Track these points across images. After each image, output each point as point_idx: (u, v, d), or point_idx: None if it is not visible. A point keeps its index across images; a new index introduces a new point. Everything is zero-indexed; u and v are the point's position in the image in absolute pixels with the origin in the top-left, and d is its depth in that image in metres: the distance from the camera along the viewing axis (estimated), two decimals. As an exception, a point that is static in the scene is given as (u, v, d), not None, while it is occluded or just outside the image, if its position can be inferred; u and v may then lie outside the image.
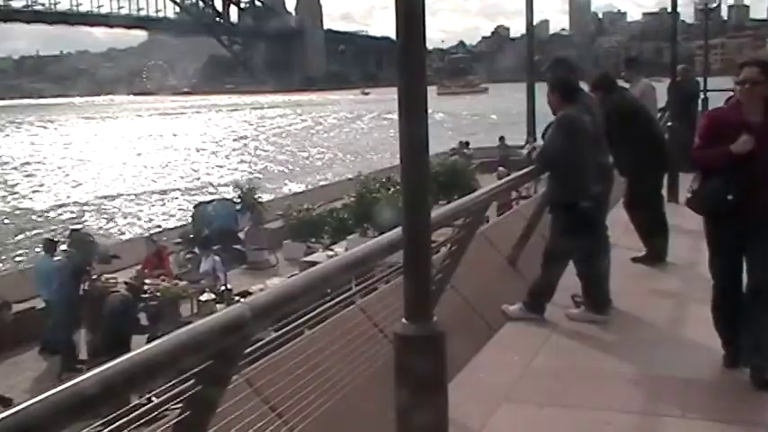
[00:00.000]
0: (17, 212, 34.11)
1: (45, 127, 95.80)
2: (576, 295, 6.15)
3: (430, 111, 2.89)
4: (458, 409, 3.34)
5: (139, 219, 30.68)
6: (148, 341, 2.83)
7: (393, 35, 2.78)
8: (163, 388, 2.69)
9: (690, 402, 4.51)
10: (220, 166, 47.96)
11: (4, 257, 23.74)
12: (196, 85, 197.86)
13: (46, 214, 33.18)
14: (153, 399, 2.72)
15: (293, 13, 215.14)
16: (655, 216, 7.67)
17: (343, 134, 71.53)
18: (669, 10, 15.09)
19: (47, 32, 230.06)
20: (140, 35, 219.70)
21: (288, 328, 4.04)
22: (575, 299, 6.15)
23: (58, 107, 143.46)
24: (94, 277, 11.47)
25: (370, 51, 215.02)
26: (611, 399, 4.59)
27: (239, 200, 18.72)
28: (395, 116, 2.87)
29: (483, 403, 4.50)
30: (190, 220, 19.76)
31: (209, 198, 23.68)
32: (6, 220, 32.02)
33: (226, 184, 33.35)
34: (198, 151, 58.47)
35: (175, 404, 2.56)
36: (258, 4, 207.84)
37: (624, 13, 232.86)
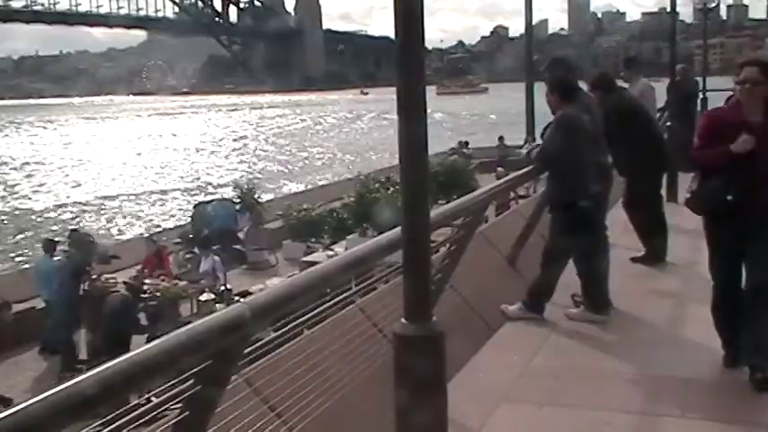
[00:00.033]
0: (17, 213, 34.10)
1: (45, 127, 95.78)
2: (575, 295, 6.16)
3: (429, 111, 2.89)
4: (457, 409, 3.34)
5: (139, 219, 30.66)
6: (148, 341, 2.83)
7: (392, 35, 2.78)
8: (162, 388, 2.69)
9: (689, 402, 4.51)
10: (220, 167, 47.95)
11: (3, 258, 23.72)
12: (195, 85, 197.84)
13: (46, 214, 33.16)
14: (152, 399, 2.72)
15: (292, 13, 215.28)
16: (654, 216, 7.67)
17: (343, 134, 71.53)
18: (668, 10, 15.08)
19: (46, 32, 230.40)
20: (140, 35, 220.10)
21: (287, 327, 4.04)
22: (574, 298, 6.16)
23: (58, 107, 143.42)
24: (94, 277, 11.47)
25: (369, 51, 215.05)
26: (611, 398, 4.59)
27: (239, 200, 18.73)
28: (394, 116, 2.87)
29: (482, 403, 4.50)
30: (189, 220, 19.77)
31: (208, 198, 23.68)
32: (6, 221, 32.01)
33: (225, 185, 33.37)
34: (197, 151, 58.47)
35: (175, 404, 2.56)
36: (257, 3, 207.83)
37: (623, 13, 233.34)
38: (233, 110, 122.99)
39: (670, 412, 4.43)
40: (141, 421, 2.53)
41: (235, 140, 68.09)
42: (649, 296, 6.69)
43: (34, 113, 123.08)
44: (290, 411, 3.48)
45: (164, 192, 38.21)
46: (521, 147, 11.02)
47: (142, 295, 11.78)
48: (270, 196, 23.93)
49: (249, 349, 3.24)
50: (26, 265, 17.60)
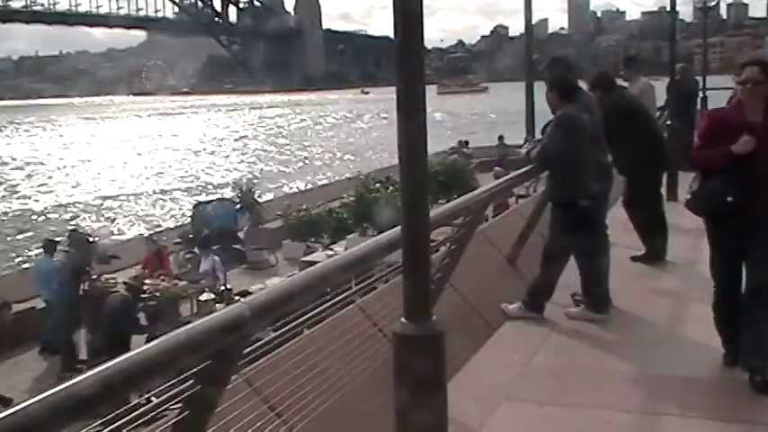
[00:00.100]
0: (17, 213, 34.11)
1: (44, 128, 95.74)
2: (575, 294, 6.16)
3: (429, 110, 2.89)
4: (457, 409, 3.34)
5: (140, 219, 30.66)
6: (148, 341, 2.83)
7: (392, 35, 2.78)
8: (162, 388, 2.69)
9: (689, 401, 4.51)
10: (220, 166, 47.96)
11: (4, 258, 23.73)
12: (195, 85, 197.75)
13: (46, 215, 33.17)
14: (152, 399, 2.72)
15: (292, 13, 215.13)
16: (654, 215, 7.67)
17: (343, 133, 71.50)
18: (668, 9, 15.07)
19: (46, 33, 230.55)
20: (139, 35, 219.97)
21: (287, 327, 4.04)
22: (574, 297, 6.16)
23: (58, 107, 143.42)
24: (94, 277, 11.48)
25: (369, 51, 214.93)
26: (611, 398, 4.59)
27: (239, 200, 18.73)
28: (393, 115, 2.87)
29: (482, 402, 4.50)
30: (189, 220, 19.77)
31: (208, 198, 23.68)
32: (7, 221, 32.01)
33: (225, 185, 33.36)
34: (197, 151, 58.45)
35: (174, 404, 2.56)
36: (257, 3, 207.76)
37: (623, 12, 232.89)
38: (233, 110, 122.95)
39: (670, 411, 4.43)
40: (141, 421, 2.52)
41: (235, 140, 68.10)
42: (649, 295, 6.69)
43: (34, 114, 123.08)
44: (290, 411, 3.48)
45: (164, 192, 38.23)
46: (520, 146, 11.03)
47: (142, 295, 11.78)
48: (269, 196, 23.93)
49: (249, 349, 3.24)
50: (26, 265, 17.62)
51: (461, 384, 4.52)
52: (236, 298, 10.56)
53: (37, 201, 37.47)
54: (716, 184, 4.61)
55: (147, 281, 12.40)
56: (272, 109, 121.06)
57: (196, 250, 14.64)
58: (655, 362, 5.12)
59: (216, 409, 2.62)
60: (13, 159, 56.69)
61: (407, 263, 2.88)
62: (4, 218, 32.99)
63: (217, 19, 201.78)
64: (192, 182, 41.24)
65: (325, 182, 31.21)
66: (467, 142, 27.42)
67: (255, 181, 22.50)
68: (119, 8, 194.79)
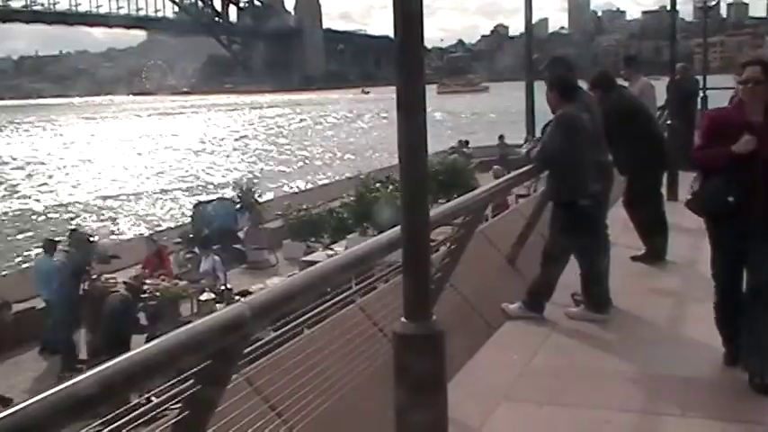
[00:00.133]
0: (17, 213, 34.11)
1: (44, 128, 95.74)
2: (575, 294, 6.15)
3: (429, 110, 2.88)
4: (457, 408, 3.34)
5: (140, 219, 30.67)
6: (148, 341, 2.83)
7: (392, 34, 2.78)
8: (162, 388, 2.69)
9: (689, 401, 4.51)
10: (220, 166, 47.97)
11: (5, 258, 23.73)
12: (195, 84, 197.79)
13: (46, 214, 33.18)
14: (152, 398, 2.72)
15: (292, 13, 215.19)
16: (654, 214, 7.67)
17: (343, 133, 71.53)
18: (668, 8, 15.08)
19: (46, 32, 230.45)
20: (139, 35, 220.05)
21: (288, 327, 4.04)
22: (574, 297, 6.15)
23: (58, 107, 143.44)
24: (94, 277, 11.47)
25: (369, 50, 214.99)
26: (611, 397, 4.59)
27: (239, 199, 18.72)
28: (393, 115, 2.87)
29: (482, 402, 4.50)
30: (189, 219, 19.77)
31: (209, 198, 23.68)
32: (8, 221, 32.01)
33: (226, 184, 33.36)
34: (197, 152, 58.47)
35: (175, 404, 2.56)
36: (257, 3, 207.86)
37: (623, 12, 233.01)
38: (233, 109, 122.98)
39: (670, 411, 4.43)
40: (141, 421, 2.52)
41: (235, 140, 68.11)
42: (649, 295, 6.69)
43: (34, 113, 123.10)
44: (290, 411, 3.48)
45: (164, 191, 38.24)
46: (521, 146, 11.02)
47: (142, 295, 11.78)
48: (270, 196, 23.92)
49: (250, 349, 3.24)
50: (26, 265, 17.62)
51: (461, 384, 4.52)
52: (237, 298, 10.56)
53: (37, 200, 37.48)
54: (717, 184, 4.60)
55: (147, 281, 12.40)
56: (272, 109, 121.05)
57: (196, 250, 14.64)
58: (655, 362, 5.12)
59: (216, 409, 2.61)
60: (14, 159, 56.72)
61: (407, 262, 2.88)
62: (4, 218, 32.99)
63: (217, 19, 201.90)
64: (192, 182, 41.26)
65: (326, 181, 31.21)
66: (467, 142, 27.41)
67: (256, 181, 22.52)
68: (119, 8, 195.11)
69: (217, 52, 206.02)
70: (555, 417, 4.42)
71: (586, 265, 6.03)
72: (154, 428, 2.64)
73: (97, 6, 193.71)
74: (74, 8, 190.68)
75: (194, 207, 20.13)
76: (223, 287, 12.64)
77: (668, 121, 11.45)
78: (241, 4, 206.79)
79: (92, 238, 13.47)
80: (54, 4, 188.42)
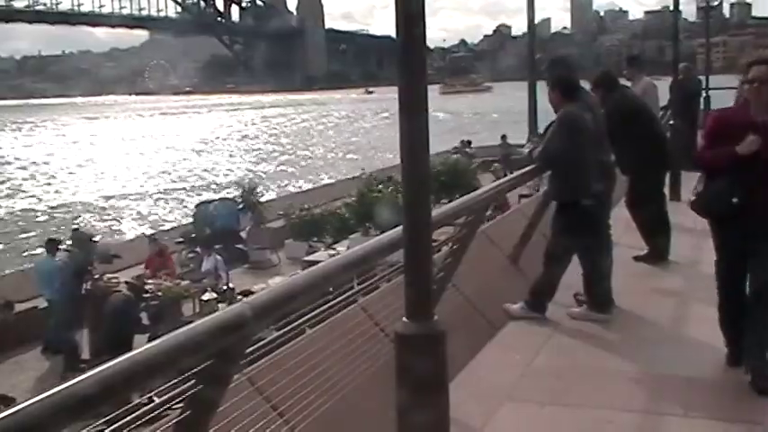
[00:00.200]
0: (21, 213, 34.15)
1: (47, 127, 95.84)
2: (578, 294, 6.15)
3: (431, 110, 2.88)
4: (459, 409, 3.34)
5: (143, 218, 30.71)
6: (150, 341, 2.83)
7: (394, 34, 2.77)
8: (164, 387, 2.69)
9: (692, 401, 4.50)
10: (222, 166, 47.99)
11: (7, 257, 23.76)
12: (197, 84, 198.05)
13: (50, 214, 33.21)
14: (154, 398, 2.72)
15: (294, 13, 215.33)
16: (657, 214, 7.66)
17: (347, 133, 71.55)
18: (671, 8, 15.09)
19: (49, 32, 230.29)
20: (142, 35, 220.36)
21: (290, 327, 4.04)
22: (577, 297, 6.15)
23: (61, 107, 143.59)
24: (96, 277, 11.48)
25: (371, 50, 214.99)
26: (613, 397, 4.59)
27: (241, 199, 18.74)
28: (394, 114, 2.86)
29: (485, 402, 4.50)
30: (191, 219, 19.79)
31: (211, 197, 23.71)
32: (11, 221, 32.05)
33: (228, 184, 33.38)
34: (199, 151, 58.52)
35: (176, 403, 2.56)
36: (259, 3, 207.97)
37: (626, 12, 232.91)
38: (235, 109, 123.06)
39: (673, 411, 4.42)
40: (143, 421, 2.52)
41: (238, 140, 68.15)
42: (652, 295, 6.68)
43: (37, 113, 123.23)
44: (292, 410, 3.48)
45: (166, 191, 38.26)
46: (523, 145, 11.02)
47: (144, 295, 11.79)
48: (272, 195, 23.94)
49: (252, 348, 3.24)
50: (29, 265, 17.62)
51: (464, 384, 4.51)
52: (239, 297, 10.56)
53: (40, 200, 37.52)
54: (721, 185, 4.58)
55: (149, 280, 12.41)
56: (275, 108, 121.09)
57: (198, 250, 14.66)
58: (657, 362, 5.11)
59: (218, 409, 2.61)
60: (17, 159, 56.78)
61: (409, 262, 2.88)
62: (7, 217, 33.02)
63: (219, 18, 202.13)
64: (194, 181, 41.27)
65: (327, 181, 31.21)
66: (469, 142, 27.44)
67: (258, 180, 22.55)
68: (121, 8, 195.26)
69: (219, 52, 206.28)
70: (557, 417, 4.41)
71: (589, 266, 6.02)
72: (156, 428, 2.64)
73: (100, 6, 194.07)
74: (76, 8, 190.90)
75: (196, 207, 20.15)
76: (225, 287, 12.66)
77: (671, 121, 11.44)
78: (243, 4, 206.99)
79: (94, 238, 13.48)
80: (57, 4, 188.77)
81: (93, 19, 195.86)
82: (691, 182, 4.93)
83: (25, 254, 23.19)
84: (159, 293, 11.92)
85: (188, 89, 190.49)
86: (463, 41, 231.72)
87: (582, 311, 6.00)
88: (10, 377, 10.48)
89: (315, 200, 19.51)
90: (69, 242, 12.56)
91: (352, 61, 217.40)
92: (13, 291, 12.52)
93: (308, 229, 16.97)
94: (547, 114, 6.68)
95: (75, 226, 21.67)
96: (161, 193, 38.04)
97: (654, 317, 6.05)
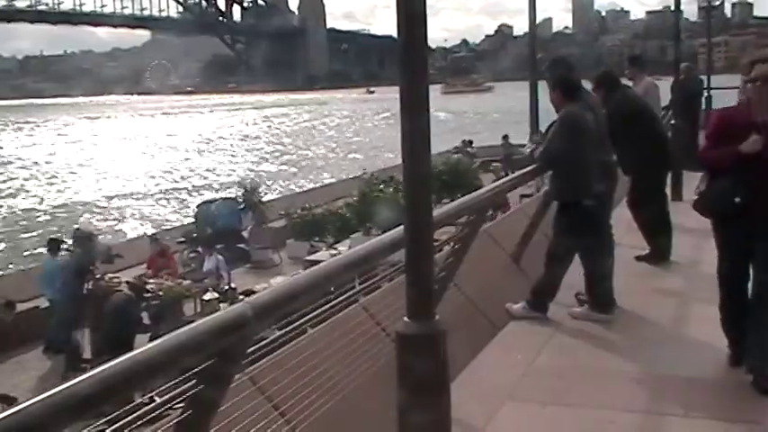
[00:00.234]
0: (21, 212, 34.17)
1: (49, 127, 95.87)
2: (579, 294, 6.14)
3: (433, 110, 2.88)
4: (461, 408, 3.33)
5: (145, 218, 30.71)
6: (151, 341, 2.84)
7: (395, 34, 2.77)
8: (165, 387, 2.69)
9: (693, 401, 4.50)
10: (224, 166, 48.00)
11: (9, 257, 23.78)
12: (199, 84, 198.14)
13: (52, 214, 33.22)
14: (155, 398, 2.72)
15: (296, 12, 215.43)
16: (658, 214, 7.65)
17: (349, 132, 71.52)
18: (672, 8, 15.04)
19: (51, 32, 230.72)
20: (144, 35, 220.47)
21: (291, 326, 4.04)
22: (578, 297, 6.14)
23: (62, 107, 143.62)
24: (98, 276, 11.48)
25: (373, 50, 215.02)
26: (615, 397, 4.58)
27: (242, 199, 18.74)
28: (396, 114, 2.86)
29: (486, 402, 4.49)
30: (193, 219, 19.80)
31: (214, 197, 23.71)
32: (13, 220, 32.07)
33: (230, 184, 33.39)
34: (201, 151, 58.54)
35: (178, 403, 2.56)
36: (261, 3, 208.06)
37: (627, 12, 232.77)
38: (236, 109, 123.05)
39: (674, 411, 4.42)
40: (144, 420, 2.52)
41: (240, 140, 68.17)
42: (654, 295, 6.68)
43: (39, 113, 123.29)
44: (293, 410, 3.48)
45: (168, 191, 38.28)
46: (525, 145, 11.01)
47: (145, 294, 11.79)
48: (274, 195, 23.96)
49: (253, 348, 3.24)
50: (34, 264, 17.63)
51: (465, 384, 4.51)
52: (240, 297, 10.56)
53: (42, 200, 37.53)
54: (724, 184, 4.56)
55: (150, 280, 12.41)
56: (276, 108, 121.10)
57: (200, 249, 14.66)
58: (659, 362, 5.11)
59: (219, 409, 2.61)
60: (19, 159, 56.80)
61: (410, 262, 2.88)
62: (9, 217, 33.03)
63: (221, 18, 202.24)
64: (196, 181, 41.28)
65: (329, 181, 31.21)
66: (471, 142, 27.43)
67: (259, 180, 22.55)
68: (123, 8, 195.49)
69: (220, 52, 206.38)
70: (559, 417, 4.41)
71: (590, 266, 6.02)
72: (157, 428, 2.64)
73: (101, 6, 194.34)
74: (78, 8, 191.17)
75: (198, 207, 20.16)
76: (227, 287, 12.66)
77: (672, 121, 11.44)
78: (245, 4, 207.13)
79: (96, 237, 13.47)
80: (58, 3, 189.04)
81: (95, 19, 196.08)
82: (692, 182, 4.93)
83: (26, 253, 23.19)
84: (160, 293, 11.92)
85: (189, 89, 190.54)
86: (465, 41, 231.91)
87: (583, 311, 6.00)
88: (11, 377, 10.48)
89: (316, 199, 19.51)
90: (71, 241, 12.55)
91: (354, 61, 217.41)
92: (15, 290, 12.52)
93: (310, 228, 16.98)
94: (548, 114, 6.67)
95: (77, 226, 21.68)
96: (162, 192, 38.04)
97: (655, 317, 6.05)
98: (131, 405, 2.54)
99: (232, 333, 2.50)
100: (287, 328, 4.05)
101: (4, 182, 44.31)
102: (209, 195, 28.50)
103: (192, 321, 2.60)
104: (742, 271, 4.65)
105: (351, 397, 3.78)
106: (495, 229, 7.43)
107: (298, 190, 29.96)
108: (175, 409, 2.57)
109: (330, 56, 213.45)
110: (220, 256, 13.74)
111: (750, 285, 4.64)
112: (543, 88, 7.32)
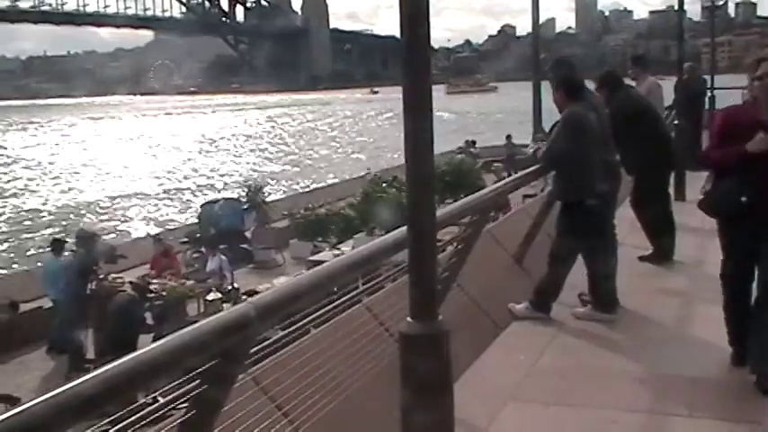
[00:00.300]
0: (25, 212, 34.21)
1: (53, 127, 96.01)
2: (582, 294, 6.14)
3: (436, 110, 2.88)
4: (464, 409, 3.33)
5: (149, 218, 30.74)
6: (154, 341, 2.84)
7: (398, 34, 2.77)
8: (168, 387, 2.69)
9: (697, 401, 4.49)
10: (227, 166, 48.03)
11: (12, 257, 23.81)
12: (202, 84, 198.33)
13: (56, 214, 33.27)
14: (159, 398, 2.72)
15: (299, 13, 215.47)
16: (661, 214, 7.65)
17: (352, 132, 71.53)
18: (675, 8, 15.03)
19: (54, 33, 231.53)
20: (147, 35, 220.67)
21: (294, 326, 4.04)
22: (581, 297, 6.14)
23: (66, 107, 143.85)
24: (101, 276, 11.50)
25: (376, 50, 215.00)
26: (618, 398, 4.58)
27: (246, 199, 18.76)
28: (399, 114, 2.86)
29: (489, 402, 4.49)
30: (196, 219, 19.83)
31: (217, 197, 23.74)
32: (16, 220, 32.12)
33: (233, 184, 33.41)
34: (205, 151, 58.58)
35: (181, 403, 2.56)
36: (264, 3, 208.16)
37: (630, 11, 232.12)
38: (239, 109, 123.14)
39: (677, 411, 4.41)
40: (148, 420, 2.53)
41: (243, 140, 68.21)
42: (657, 295, 6.67)
43: (42, 113, 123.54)
44: (296, 410, 3.48)
45: (172, 191, 38.31)
46: (528, 145, 11.00)
47: (149, 295, 11.81)
48: (277, 195, 23.97)
49: (256, 348, 3.24)
50: (39, 264, 17.67)
51: (468, 384, 4.51)
52: (244, 297, 10.56)
53: (46, 200, 37.58)
54: (729, 184, 4.54)
55: (154, 280, 12.43)
56: (279, 108, 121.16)
57: (203, 249, 14.67)
58: (662, 362, 5.10)
59: (223, 408, 2.61)
60: (23, 159, 56.89)
61: (413, 262, 2.87)
62: (13, 217, 33.08)
63: (224, 18, 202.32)
64: (199, 181, 41.30)
65: (332, 181, 31.23)
66: (474, 142, 27.45)
67: (263, 180, 22.57)
68: (126, 8, 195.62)
69: (223, 52, 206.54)
70: (562, 417, 4.41)
71: (593, 266, 6.01)
72: (161, 428, 2.65)
73: (105, 7, 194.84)
74: (81, 8, 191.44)
75: (201, 207, 20.19)
76: (230, 287, 12.66)
77: (675, 121, 11.43)
78: (248, 4, 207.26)
79: (98, 238, 13.49)
80: (62, 4, 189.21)
81: (98, 19, 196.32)
82: (695, 182, 4.93)
83: (30, 253, 23.22)
84: (164, 293, 11.94)
85: (192, 89, 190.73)
86: (468, 41, 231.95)
87: (586, 311, 5.99)
88: (15, 377, 10.50)
89: (319, 200, 19.52)
90: (74, 241, 12.58)
91: (357, 61, 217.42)
92: (19, 291, 12.55)
93: (313, 228, 16.99)
94: (551, 114, 6.66)
95: (81, 225, 21.71)
96: (166, 192, 38.07)
97: (658, 317, 6.04)
98: (135, 405, 2.55)
99: (235, 333, 2.50)
100: (290, 329, 4.05)
101: (9, 182, 44.39)
102: (212, 195, 28.52)
103: (196, 322, 2.60)
104: (747, 271, 4.63)
105: (354, 397, 3.78)
106: (498, 230, 7.43)
107: (301, 190, 30.00)
108: (179, 409, 2.57)
109: (333, 56, 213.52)
110: (223, 257, 13.75)
111: (754, 286, 4.63)
112: (546, 88, 7.30)
